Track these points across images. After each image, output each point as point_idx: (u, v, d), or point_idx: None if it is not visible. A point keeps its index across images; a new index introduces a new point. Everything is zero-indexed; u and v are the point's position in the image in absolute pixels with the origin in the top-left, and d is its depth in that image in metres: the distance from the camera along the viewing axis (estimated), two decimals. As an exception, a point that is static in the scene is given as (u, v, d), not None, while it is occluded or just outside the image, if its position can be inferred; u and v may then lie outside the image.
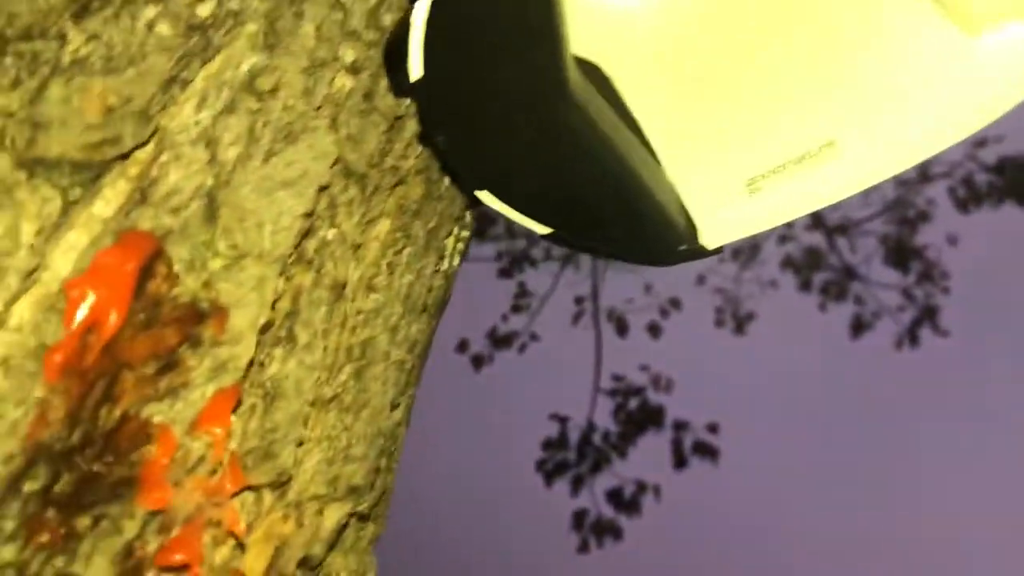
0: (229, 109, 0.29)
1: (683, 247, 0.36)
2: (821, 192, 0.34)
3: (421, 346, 0.38)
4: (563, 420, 3.22)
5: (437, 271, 0.39)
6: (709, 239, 0.36)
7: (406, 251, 0.35)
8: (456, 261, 0.43)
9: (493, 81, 0.32)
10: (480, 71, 0.32)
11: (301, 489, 0.29)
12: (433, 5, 0.31)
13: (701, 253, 0.36)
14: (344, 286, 0.32)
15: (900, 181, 3.12)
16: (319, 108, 0.33)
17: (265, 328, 0.28)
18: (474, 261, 3.10)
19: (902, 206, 3.33)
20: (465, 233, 0.43)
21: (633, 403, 3.26)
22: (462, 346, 3.24)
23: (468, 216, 0.44)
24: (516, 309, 3.34)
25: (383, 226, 0.35)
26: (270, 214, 0.28)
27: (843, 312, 3.34)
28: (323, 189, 0.31)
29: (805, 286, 3.40)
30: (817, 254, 3.38)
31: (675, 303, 3.26)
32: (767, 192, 0.36)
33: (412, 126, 0.38)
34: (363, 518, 0.31)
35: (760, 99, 0.39)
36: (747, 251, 3.39)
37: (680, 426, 3.16)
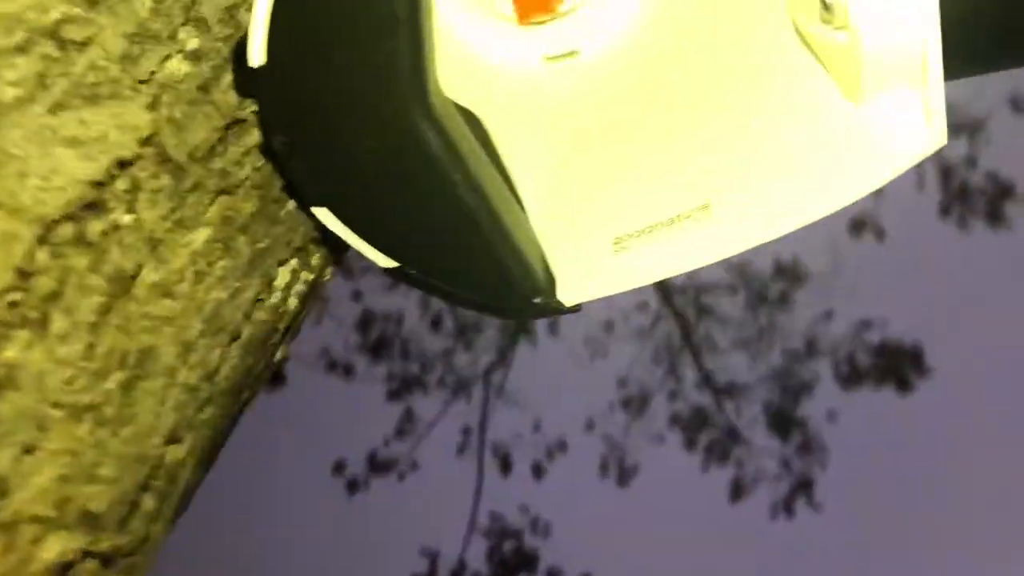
0: (20, 49, 0.25)
1: (538, 300, 0.33)
2: (689, 255, 0.32)
3: (227, 381, 0.32)
4: (434, 556, 3.07)
5: (261, 301, 0.34)
6: (567, 295, 0.33)
7: (221, 263, 0.31)
8: (293, 303, 0.38)
9: (342, 77, 0.29)
10: (329, 63, 0.28)
11: (19, 507, 0.23)
12: (281, -19, 0.28)
13: (556, 309, 0.33)
14: (132, 282, 0.27)
15: (787, 351, 3.21)
16: (141, 82, 0.29)
17: (6, 301, 0.23)
18: (363, 381, 3.01)
19: (787, 375, 3.42)
20: (308, 275, 0.39)
21: (508, 545, 3.14)
22: (339, 467, 3.10)
23: (316, 256, 0.39)
24: (400, 434, 3.23)
25: (199, 235, 0.31)
26: (40, 167, 0.24)
27: (724, 474, 3.35)
28: (124, 165, 0.27)
29: (690, 444, 3.41)
30: (704, 414, 3.41)
31: (562, 445, 3.22)
32: (634, 252, 0.33)
33: (256, 136, 0.34)
34: (105, 562, 0.25)
35: (636, 156, 0.36)
36: (637, 403, 3.40)
37: (553, 574, 3.05)
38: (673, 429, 3.46)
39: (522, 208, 0.35)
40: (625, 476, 3.33)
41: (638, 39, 0.42)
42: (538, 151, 0.40)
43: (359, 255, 0.33)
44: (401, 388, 3.29)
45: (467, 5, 0.42)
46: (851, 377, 3.34)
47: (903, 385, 3.33)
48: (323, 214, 0.31)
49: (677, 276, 0.32)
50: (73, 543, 0.24)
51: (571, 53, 0.44)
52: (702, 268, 0.33)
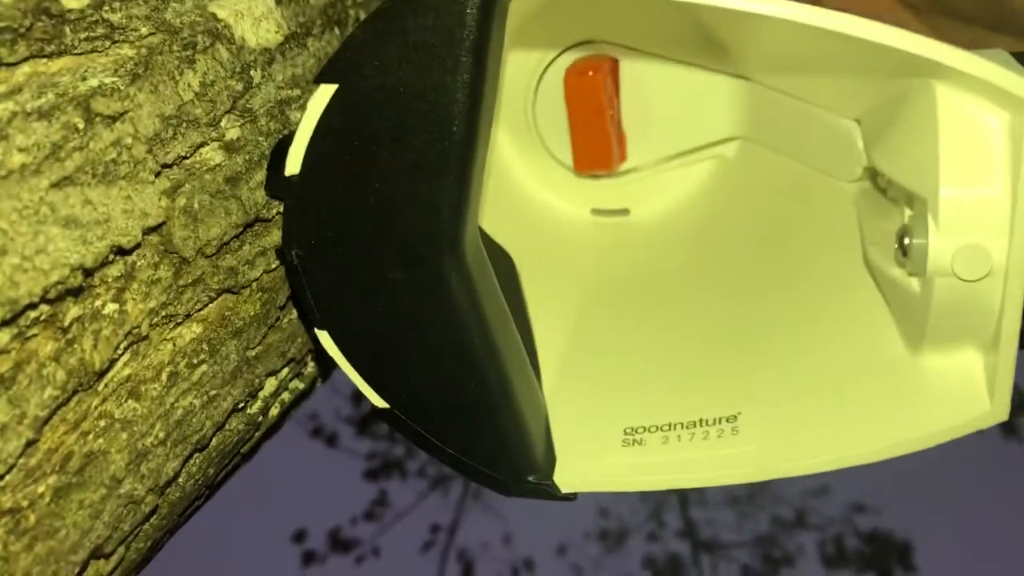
0: (43, 114, 0.23)
1: (531, 479, 0.30)
2: (706, 470, 0.29)
3: (180, 492, 0.29)
4: (374, 652, 2.94)
5: (239, 410, 0.31)
6: (565, 480, 0.30)
7: (202, 368, 0.28)
8: (274, 412, 0.35)
9: (376, 206, 0.27)
10: (365, 188, 0.27)
11: None
12: (336, 96, 0.26)
13: (550, 493, 0.30)
14: (97, 378, 0.25)
15: (776, 518, 3.13)
16: (165, 165, 0.27)
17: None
18: (344, 453, 2.95)
19: (771, 544, 3.32)
20: (298, 384, 0.37)
21: (452, 657, 3.01)
22: (299, 536, 3.01)
23: (311, 367, 0.37)
24: (368, 516, 3.15)
25: (188, 330, 0.28)
26: (25, 246, 0.22)
27: (687, 631, 3.21)
28: (121, 252, 0.25)
29: (659, 591, 3.29)
30: (678, 563, 3.30)
31: (529, 565, 3.11)
32: (643, 449, 0.30)
33: (275, 238, 0.32)
34: None
35: (666, 336, 0.34)
36: (614, 537, 3.30)
37: None
38: (645, 572, 3.35)
39: (536, 371, 0.33)
40: (586, 609, 3.21)
41: (691, 215, 0.40)
42: (566, 304, 0.38)
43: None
44: (380, 469, 3.22)
45: (526, 148, 0.41)
46: (836, 558, 3.23)
47: (886, 577, 3.21)
48: (324, 338, 0.29)
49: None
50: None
51: (621, 211, 0.42)
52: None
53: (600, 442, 0.30)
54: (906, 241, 0.26)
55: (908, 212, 0.28)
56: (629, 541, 3.36)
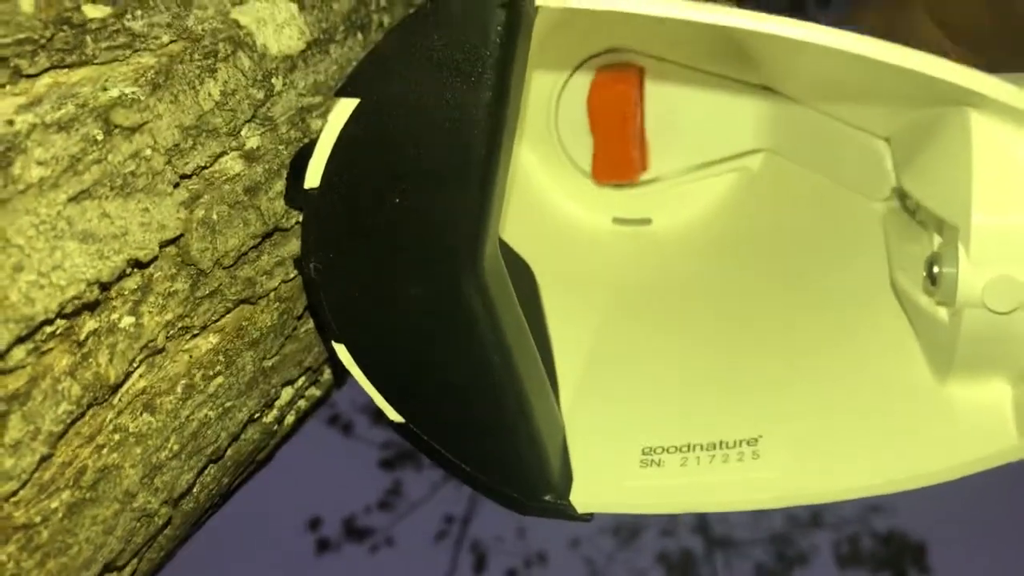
0: (62, 126, 0.23)
1: (548, 498, 0.29)
2: (724, 494, 0.28)
3: (194, 503, 0.29)
4: (386, 640, 2.95)
5: (255, 420, 0.31)
6: (581, 500, 0.29)
7: (217, 380, 0.28)
8: (290, 419, 0.35)
9: (396, 218, 0.26)
10: (383, 203, 0.26)
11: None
12: (357, 109, 0.26)
13: (566, 513, 0.30)
14: (113, 391, 0.24)
15: (790, 516, 3.11)
16: (184, 176, 0.27)
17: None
18: (360, 442, 2.96)
19: (785, 542, 3.30)
20: (315, 392, 0.36)
21: (464, 647, 3.01)
22: (314, 524, 3.03)
23: (326, 374, 0.37)
24: (383, 506, 3.16)
25: (204, 341, 0.28)
26: (41, 262, 0.21)
27: (696, 627, 3.21)
28: (138, 265, 0.25)
29: (672, 587, 3.29)
30: (692, 559, 3.30)
31: (542, 558, 3.12)
32: (661, 471, 0.29)
33: (294, 247, 0.31)
34: None
35: (687, 353, 0.33)
36: (627, 532, 3.30)
37: None
38: (658, 567, 3.35)
39: (555, 386, 0.32)
40: (598, 603, 3.21)
41: (714, 226, 0.40)
42: (586, 316, 0.37)
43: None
44: (395, 459, 3.23)
45: (547, 156, 0.40)
46: (850, 558, 3.21)
47: (901, 578, 3.19)
48: (342, 351, 0.29)
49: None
50: None
51: (643, 220, 0.42)
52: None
53: (618, 462, 0.30)
54: (935, 270, 0.25)
55: (937, 239, 0.27)
56: (643, 536, 3.35)
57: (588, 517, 0.30)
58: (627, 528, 3.28)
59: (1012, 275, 0.24)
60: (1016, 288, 0.24)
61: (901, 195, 0.32)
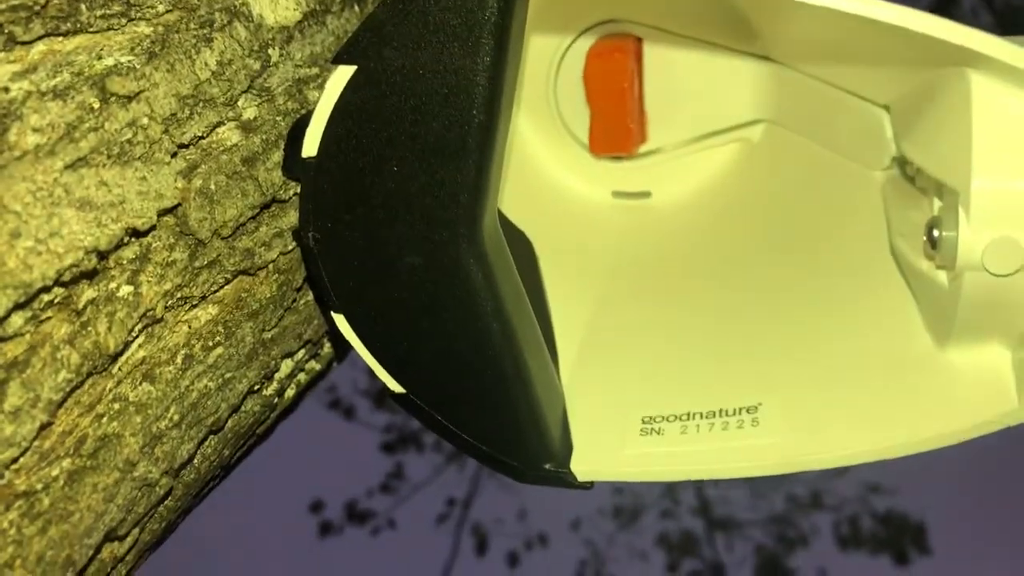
0: (58, 94, 0.23)
1: (548, 466, 0.29)
2: (724, 461, 0.28)
3: (195, 474, 0.29)
4: (389, 621, 2.97)
5: (255, 392, 0.31)
6: (581, 468, 0.30)
7: (217, 351, 0.28)
8: (290, 393, 0.35)
9: (394, 187, 0.26)
10: (379, 171, 0.26)
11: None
12: (354, 77, 0.26)
13: (566, 481, 0.30)
14: (112, 360, 0.24)
15: (790, 497, 3.12)
16: (181, 146, 0.26)
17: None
18: (361, 426, 2.97)
19: (786, 523, 3.31)
20: (314, 365, 0.36)
21: (466, 628, 3.03)
22: (316, 507, 3.04)
23: (326, 347, 0.37)
24: (385, 489, 3.17)
25: (204, 312, 0.28)
26: (38, 229, 0.21)
27: (699, 607, 3.22)
28: (136, 234, 0.25)
29: (672, 568, 3.30)
30: (692, 541, 3.31)
31: (543, 539, 3.13)
32: (661, 439, 0.30)
33: (292, 219, 0.31)
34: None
35: (686, 323, 0.33)
36: (628, 514, 3.31)
37: (504, 670, 2.93)
38: (658, 549, 3.36)
39: (554, 357, 0.32)
40: (599, 586, 3.22)
41: (714, 199, 0.39)
42: (585, 289, 0.37)
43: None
44: (397, 442, 3.24)
45: (546, 129, 0.40)
46: (850, 539, 3.23)
47: (900, 559, 3.21)
48: (341, 321, 0.29)
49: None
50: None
51: (642, 194, 0.41)
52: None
53: (618, 430, 0.30)
54: (935, 233, 0.25)
55: (938, 203, 0.27)
56: (643, 518, 3.36)
57: (588, 485, 0.30)
58: (628, 511, 3.30)
59: (1012, 237, 0.24)
60: (1016, 250, 0.24)
61: (901, 163, 0.32)
